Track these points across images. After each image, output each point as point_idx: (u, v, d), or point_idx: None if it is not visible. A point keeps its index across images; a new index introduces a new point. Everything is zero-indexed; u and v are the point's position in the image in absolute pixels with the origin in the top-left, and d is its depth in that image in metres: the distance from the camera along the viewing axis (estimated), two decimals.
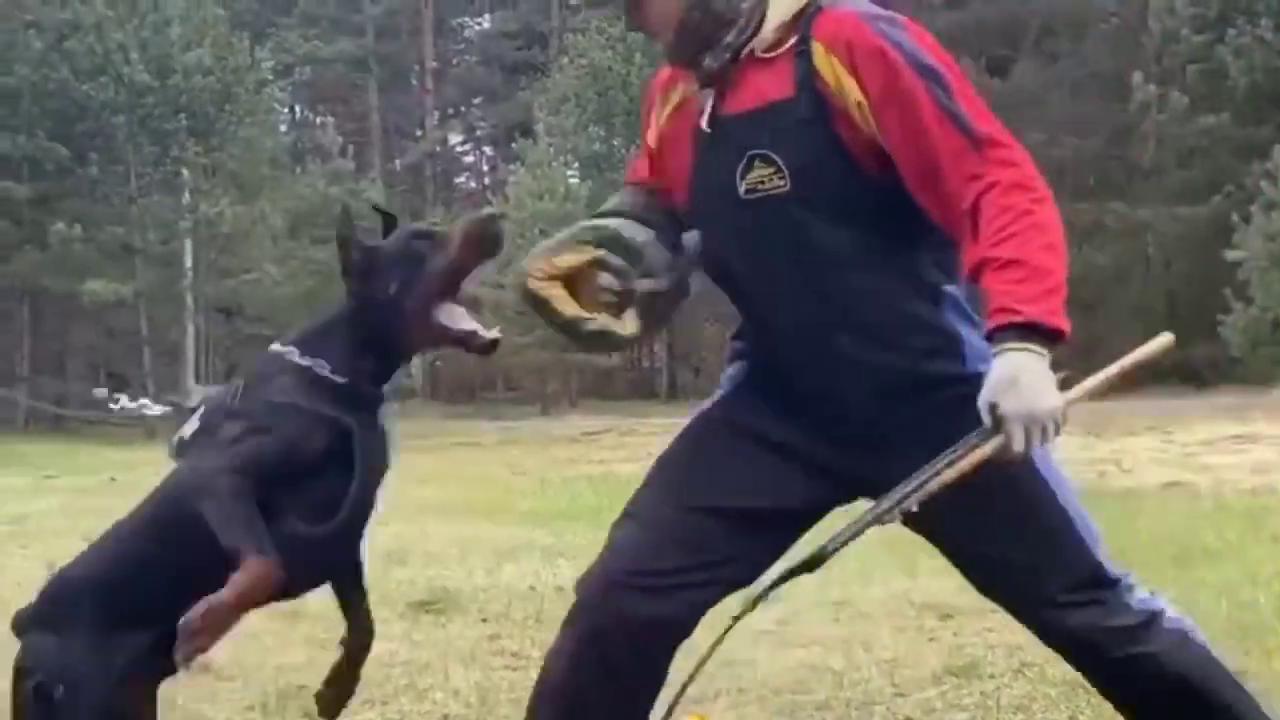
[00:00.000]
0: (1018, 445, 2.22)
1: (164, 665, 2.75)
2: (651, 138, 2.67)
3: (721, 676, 4.43)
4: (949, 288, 2.44)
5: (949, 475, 2.25)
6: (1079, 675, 4.21)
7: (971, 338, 2.41)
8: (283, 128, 40.49)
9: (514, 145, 36.05)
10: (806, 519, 2.61)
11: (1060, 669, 4.32)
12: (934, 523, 2.42)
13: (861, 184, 2.37)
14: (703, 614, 2.56)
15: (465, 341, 2.70)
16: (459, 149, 51.60)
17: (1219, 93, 29.24)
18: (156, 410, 4.14)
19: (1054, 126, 32.73)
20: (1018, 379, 2.19)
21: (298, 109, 48.98)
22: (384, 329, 2.71)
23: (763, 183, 2.40)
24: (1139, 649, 2.47)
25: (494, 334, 2.69)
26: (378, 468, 2.75)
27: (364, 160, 43.69)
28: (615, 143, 35.18)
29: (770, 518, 2.54)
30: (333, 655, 3.02)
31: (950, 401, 2.37)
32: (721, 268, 2.55)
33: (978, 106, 2.33)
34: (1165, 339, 2.51)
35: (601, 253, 2.49)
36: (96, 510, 11.68)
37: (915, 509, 2.27)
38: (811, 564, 2.35)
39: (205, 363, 35.19)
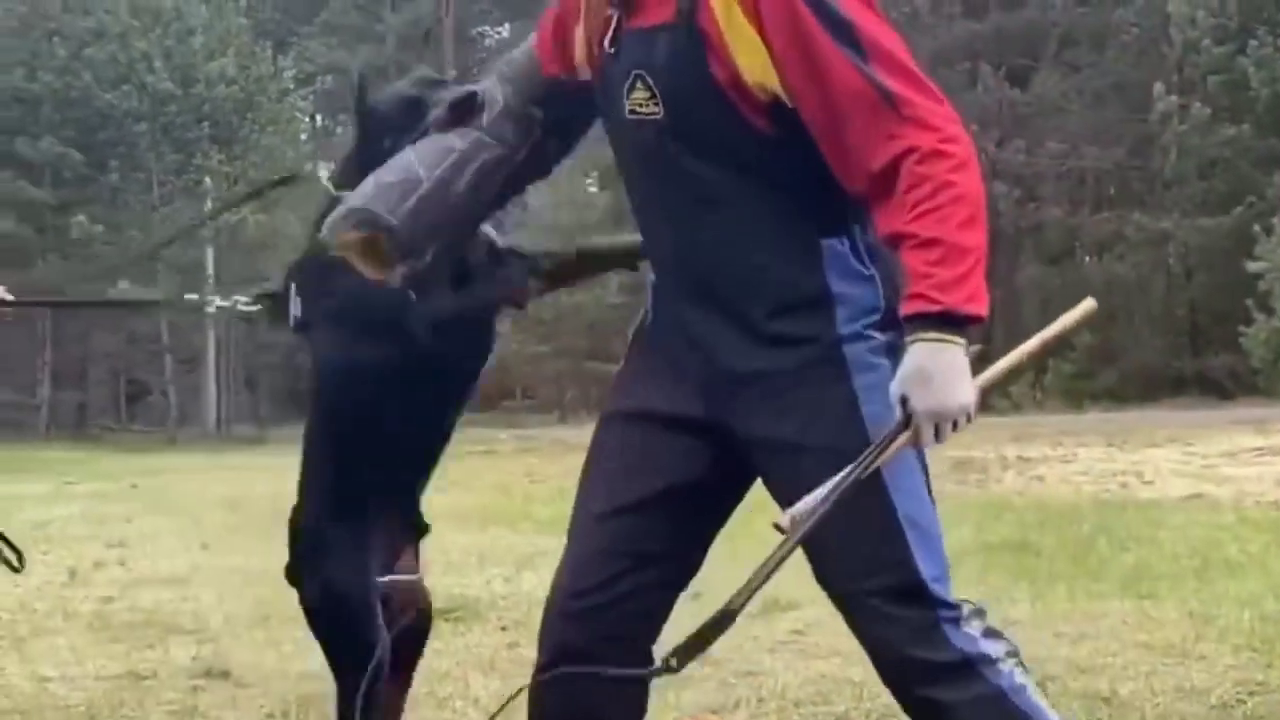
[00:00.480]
0: (926, 441, 2.16)
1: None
2: (578, 21, 2.50)
3: (741, 686, 4.42)
4: (831, 241, 2.30)
5: (865, 474, 2.17)
6: (1101, 688, 4.23)
7: (854, 296, 2.30)
8: (304, 136, 40.62)
9: None
10: (714, 493, 2.47)
11: (1083, 682, 4.32)
12: (769, 477, 2.36)
13: (732, 124, 2.25)
14: (653, 624, 2.46)
15: None
16: None
17: (1240, 104, 29.15)
18: (245, 300, 4.05)
19: (1075, 137, 32.69)
20: (930, 373, 2.12)
21: (319, 118, 49.11)
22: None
23: (641, 106, 2.31)
24: (937, 694, 2.28)
25: None
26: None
27: None
28: None
29: (674, 498, 2.42)
30: None
31: (807, 361, 2.28)
32: (626, 184, 2.48)
33: (894, 59, 2.18)
34: (1087, 304, 2.41)
35: (359, 235, 2.59)
36: (117, 516, 11.76)
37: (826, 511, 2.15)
38: (721, 623, 2.16)
39: (226, 370, 35.30)
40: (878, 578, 2.27)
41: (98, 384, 38.49)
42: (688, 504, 2.45)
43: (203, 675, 4.81)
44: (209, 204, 33.15)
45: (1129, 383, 29.29)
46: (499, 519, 10.53)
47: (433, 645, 5.28)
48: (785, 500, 2.30)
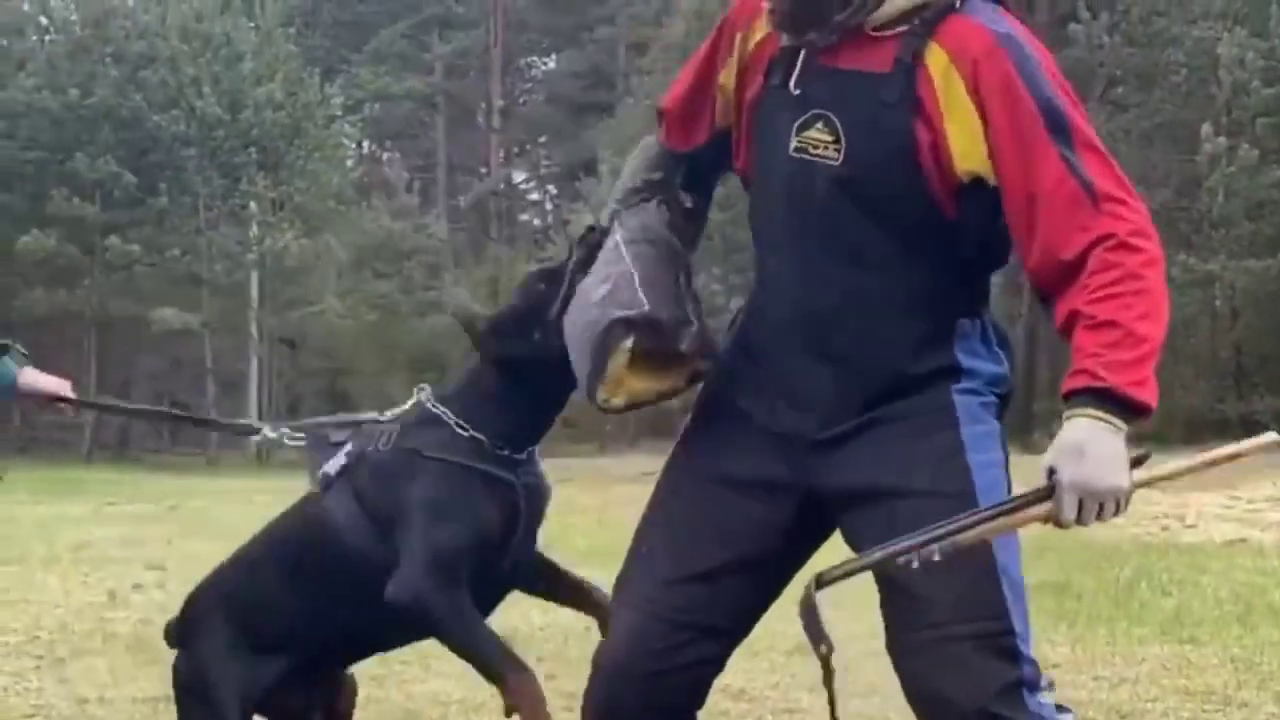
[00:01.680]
0: (1067, 515, 2.11)
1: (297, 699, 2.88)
2: (725, 67, 2.47)
3: None
4: (964, 320, 2.32)
5: (989, 529, 2.12)
6: None
7: (979, 370, 2.32)
8: (350, 163, 40.86)
9: (578, 184, 36.27)
10: (783, 562, 2.45)
11: None
12: (860, 528, 2.30)
13: (914, 190, 2.24)
14: (704, 693, 2.47)
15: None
16: (523, 187, 51.85)
17: None
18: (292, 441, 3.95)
19: None
20: (1084, 449, 2.08)
21: (365, 145, 49.44)
22: (540, 381, 2.67)
23: (815, 146, 2.27)
24: None
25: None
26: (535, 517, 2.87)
27: (429, 196, 44.05)
28: None
29: (743, 570, 2.41)
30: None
31: (916, 410, 2.28)
32: (757, 222, 2.43)
33: (1099, 153, 2.22)
34: (1269, 437, 2.36)
35: (631, 342, 2.37)
36: (157, 539, 11.80)
37: (937, 558, 2.09)
38: (816, 583, 2.14)
39: (268, 394, 35.47)
40: (970, 623, 2.21)
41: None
42: (756, 575, 2.44)
43: None
44: (254, 229, 33.41)
45: (1173, 424, 28.97)
46: (537, 549, 10.48)
47: (469, 676, 5.28)
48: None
